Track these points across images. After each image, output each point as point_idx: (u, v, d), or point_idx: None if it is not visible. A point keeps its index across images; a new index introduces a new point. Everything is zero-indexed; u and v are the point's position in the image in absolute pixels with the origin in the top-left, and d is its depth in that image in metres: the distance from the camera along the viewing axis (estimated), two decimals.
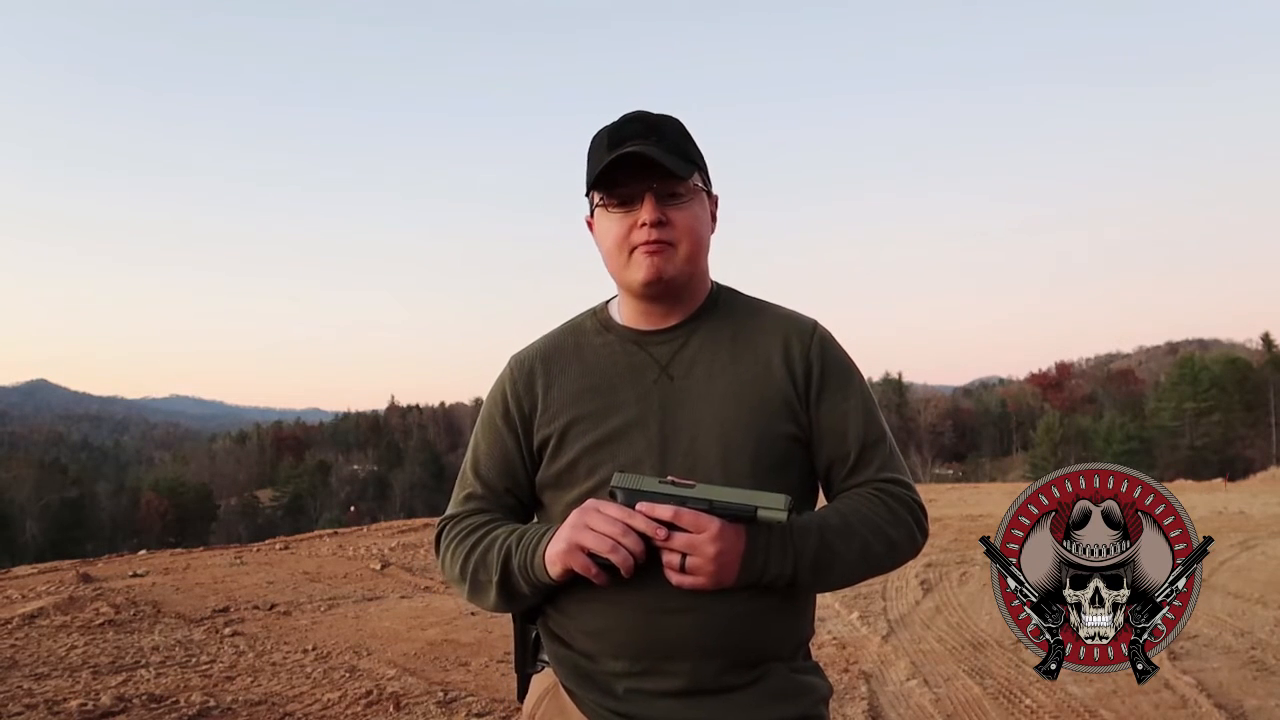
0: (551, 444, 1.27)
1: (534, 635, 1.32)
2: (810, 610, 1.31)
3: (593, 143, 1.28)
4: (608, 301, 1.38)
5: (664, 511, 1.10)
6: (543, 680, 1.30)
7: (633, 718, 1.19)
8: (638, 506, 1.12)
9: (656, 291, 1.26)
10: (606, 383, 1.27)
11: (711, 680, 1.18)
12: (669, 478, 1.14)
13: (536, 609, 1.30)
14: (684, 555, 1.11)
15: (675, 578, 1.12)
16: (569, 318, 1.40)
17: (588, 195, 1.29)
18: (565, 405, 1.27)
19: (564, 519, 1.20)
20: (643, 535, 1.11)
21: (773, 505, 1.10)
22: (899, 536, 1.25)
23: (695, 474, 1.17)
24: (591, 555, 1.12)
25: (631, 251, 1.24)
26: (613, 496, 1.15)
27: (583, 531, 1.12)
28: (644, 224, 1.22)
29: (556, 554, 1.15)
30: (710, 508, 1.11)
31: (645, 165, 1.20)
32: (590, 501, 1.16)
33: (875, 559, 1.23)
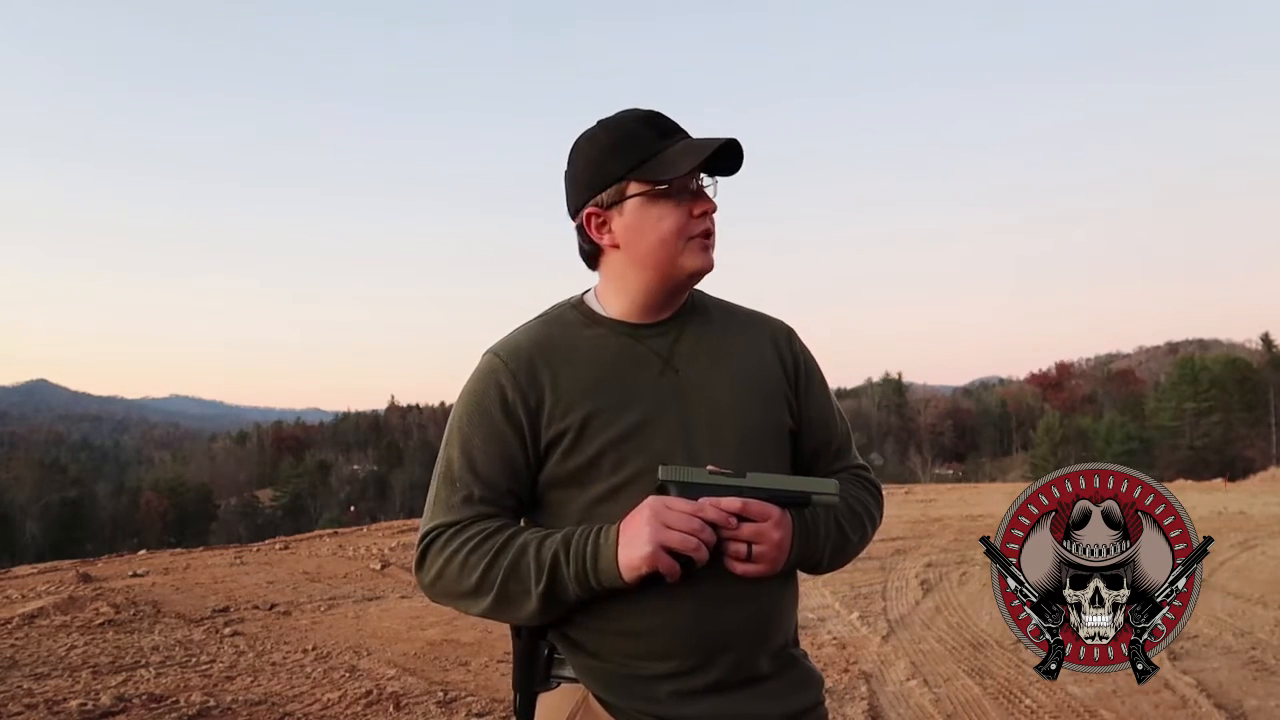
0: (567, 439, 1.20)
1: (546, 651, 1.23)
2: None
3: (622, 131, 1.23)
4: (582, 295, 1.34)
5: (732, 503, 1.12)
6: (566, 697, 1.22)
7: None
8: (702, 500, 1.12)
9: (697, 282, 1.29)
10: (613, 376, 1.24)
11: (747, 670, 1.20)
12: (710, 468, 1.15)
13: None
14: (749, 544, 1.14)
15: (740, 566, 1.14)
16: (540, 311, 1.35)
17: (615, 182, 1.23)
18: (579, 399, 1.22)
19: (580, 518, 1.18)
20: (713, 526, 1.12)
21: (826, 490, 1.16)
22: (879, 518, 1.37)
23: (721, 464, 1.17)
24: (673, 554, 1.10)
25: (689, 241, 1.23)
26: (663, 490, 1.13)
27: (665, 531, 1.10)
28: (704, 213, 1.24)
29: (641, 558, 1.10)
30: (768, 495, 1.14)
31: (710, 155, 1.21)
32: (655, 500, 1.13)
33: (865, 541, 1.34)
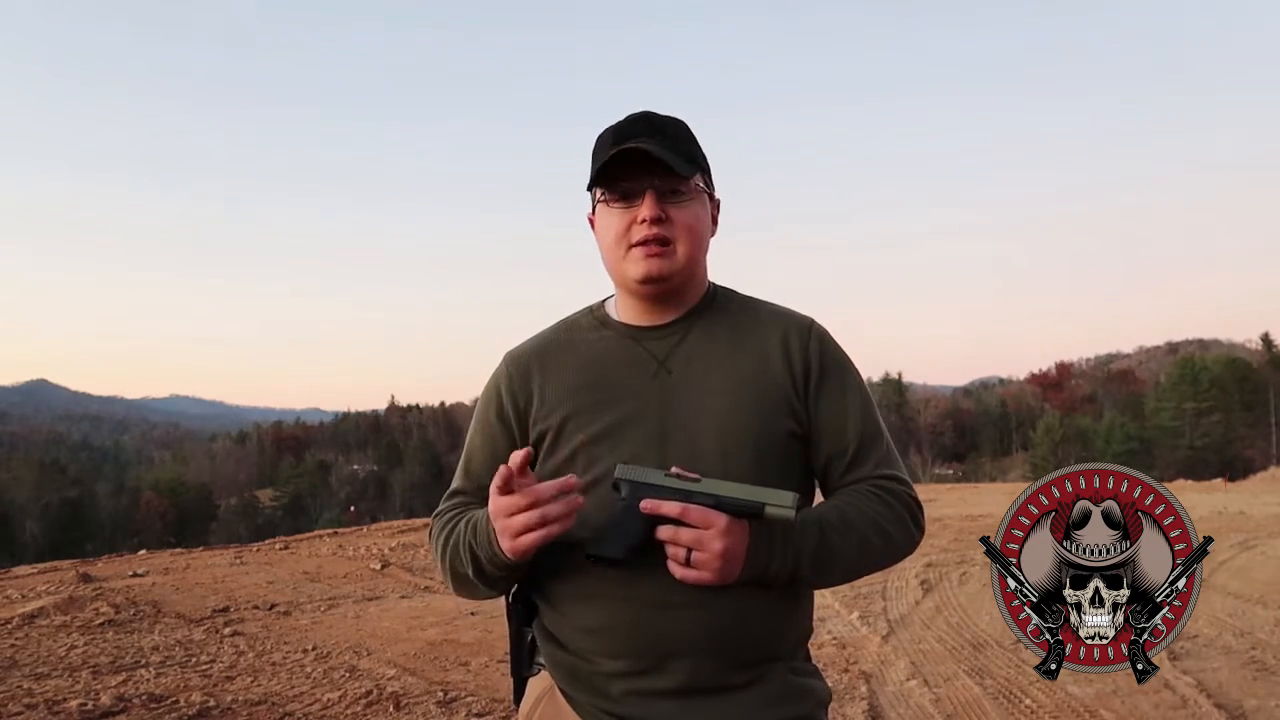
0: (549, 438, 1.26)
1: (530, 638, 1.31)
2: (809, 608, 1.31)
3: (598, 140, 1.28)
4: (604, 300, 1.38)
5: (671, 508, 1.10)
6: (539, 683, 1.29)
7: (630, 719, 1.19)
8: (642, 505, 1.11)
9: (653, 289, 1.26)
10: (603, 377, 1.26)
11: (710, 679, 1.17)
12: (673, 470, 1.14)
13: (532, 609, 1.29)
14: (689, 550, 1.11)
15: (679, 571, 1.12)
16: (564, 316, 1.40)
17: (590, 191, 1.30)
18: (562, 400, 1.26)
19: None
20: (652, 521, 1.11)
21: (780, 502, 1.10)
22: (896, 533, 1.25)
23: (695, 468, 1.16)
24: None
25: (630, 248, 1.23)
26: (616, 488, 1.15)
27: (505, 520, 1.11)
28: (644, 220, 1.21)
29: (508, 550, 1.14)
30: (717, 503, 1.11)
31: (648, 162, 1.20)
32: (490, 502, 1.14)
33: (873, 555, 1.23)
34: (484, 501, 1.27)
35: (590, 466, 1.21)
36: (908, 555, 1.29)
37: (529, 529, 1.10)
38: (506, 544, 1.13)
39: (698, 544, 1.10)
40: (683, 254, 1.24)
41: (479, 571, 1.21)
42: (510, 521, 1.11)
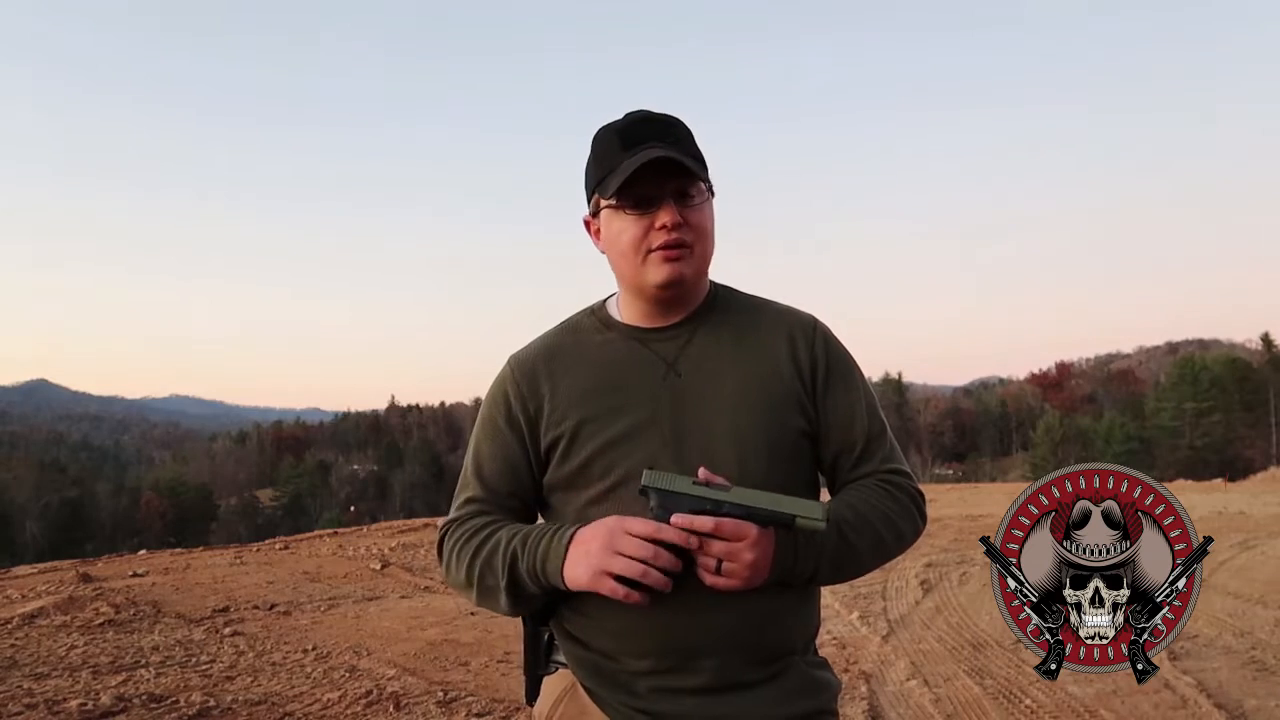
0: (562, 445, 1.24)
1: (546, 637, 1.30)
2: (818, 604, 1.33)
3: (600, 142, 1.26)
4: (605, 300, 1.37)
5: (705, 524, 1.10)
6: (559, 681, 1.28)
7: (657, 715, 1.20)
8: (674, 519, 1.10)
9: (671, 294, 1.25)
10: (614, 381, 1.26)
11: (735, 675, 1.19)
12: (701, 476, 1.13)
13: (549, 609, 1.28)
14: (719, 560, 1.11)
15: (710, 579, 1.12)
16: (565, 318, 1.39)
17: (592, 194, 1.27)
18: (574, 405, 1.25)
19: (578, 520, 1.19)
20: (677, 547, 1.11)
21: (811, 514, 1.11)
22: (905, 526, 1.28)
23: (711, 469, 1.16)
24: (621, 578, 1.10)
25: (649, 254, 1.22)
26: (644, 495, 1.14)
27: (612, 558, 1.10)
28: (663, 226, 1.20)
29: (584, 581, 1.13)
30: (748, 514, 1.11)
31: (666, 168, 1.19)
32: (614, 521, 1.13)
33: (885, 550, 1.26)
34: (501, 509, 1.29)
35: (608, 472, 1.21)
36: (911, 545, 1.32)
37: (627, 574, 1.09)
38: (585, 574, 1.12)
39: (730, 555, 1.10)
40: (699, 257, 1.24)
41: (514, 585, 1.19)
42: (617, 560, 1.10)
